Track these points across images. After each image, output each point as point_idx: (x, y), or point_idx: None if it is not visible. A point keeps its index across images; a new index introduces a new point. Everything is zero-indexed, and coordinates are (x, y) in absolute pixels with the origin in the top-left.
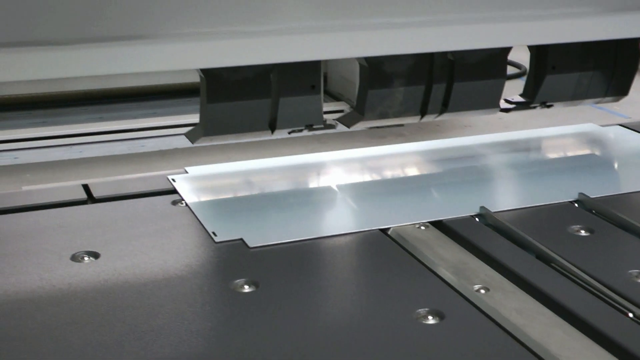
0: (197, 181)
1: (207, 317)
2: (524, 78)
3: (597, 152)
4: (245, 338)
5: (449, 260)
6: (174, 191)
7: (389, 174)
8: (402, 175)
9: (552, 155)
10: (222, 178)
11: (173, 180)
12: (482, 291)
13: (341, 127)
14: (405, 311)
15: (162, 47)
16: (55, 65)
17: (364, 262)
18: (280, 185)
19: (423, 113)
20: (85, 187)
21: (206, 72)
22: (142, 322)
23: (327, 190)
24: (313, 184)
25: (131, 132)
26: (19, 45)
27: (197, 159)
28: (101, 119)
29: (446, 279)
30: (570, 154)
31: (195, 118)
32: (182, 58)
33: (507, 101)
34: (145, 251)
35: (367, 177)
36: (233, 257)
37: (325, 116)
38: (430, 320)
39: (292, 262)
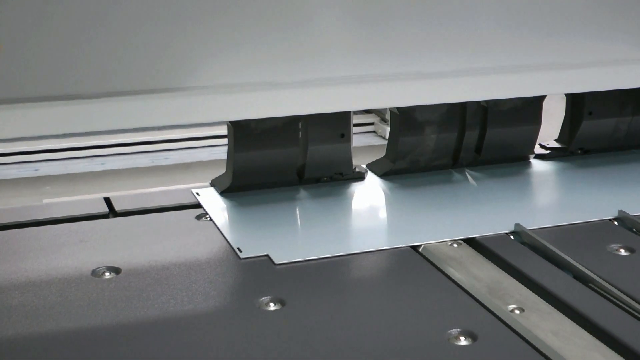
0: (222, 195)
1: (231, 336)
2: None
3: (638, 168)
4: (271, 358)
5: (483, 279)
6: (198, 205)
7: (419, 189)
8: (433, 190)
9: (591, 171)
10: (247, 191)
11: (197, 194)
12: (517, 312)
13: (361, 139)
14: (436, 332)
15: (189, 99)
16: (80, 119)
17: (394, 280)
18: (307, 199)
19: (455, 160)
20: (107, 201)
21: (234, 122)
22: (165, 341)
23: (355, 205)
24: (341, 199)
25: (154, 144)
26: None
27: (221, 171)
28: (124, 130)
29: (479, 298)
30: (609, 170)
31: (221, 130)
32: (211, 110)
33: (542, 146)
34: (168, 267)
35: (397, 193)
36: (258, 274)
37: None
38: (463, 341)
39: (319, 279)
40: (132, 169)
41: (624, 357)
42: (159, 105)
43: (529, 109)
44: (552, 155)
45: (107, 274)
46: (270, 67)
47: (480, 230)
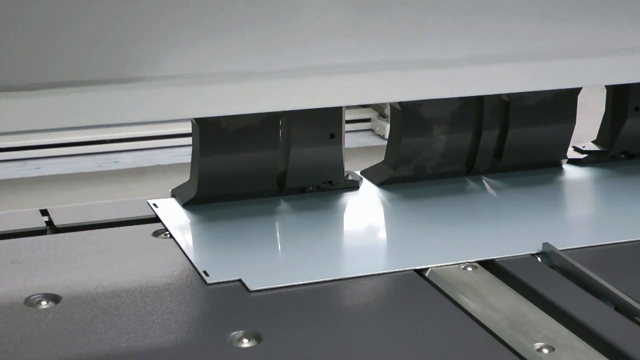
0: (185, 207)
1: None
2: None
3: None
4: None
5: (503, 311)
6: (155, 219)
7: (426, 201)
8: (443, 202)
9: (636, 179)
10: (216, 203)
11: (155, 205)
12: (545, 350)
13: (355, 139)
14: None
15: (145, 92)
16: (12, 115)
17: (394, 311)
18: (289, 213)
19: (470, 167)
20: (44, 213)
21: (200, 120)
22: None
23: (348, 220)
24: (330, 213)
25: (101, 145)
26: None
27: (184, 178)
28: (63, 128)
29: (499, 334)
30: None
31: (184, 127)
32: (172, 105)
33: (576, 149)
34: (119, 294)
35: (398, 205)
36: (229, 303)
37: (348, 141)
38: None
39: (303, 310)
40: (74, 174)
41: None
42: (107, 99)
43: (561, 104)
44: (590, 160)
45: (43, 302)
46: (245, 54)
47: (500, 250)
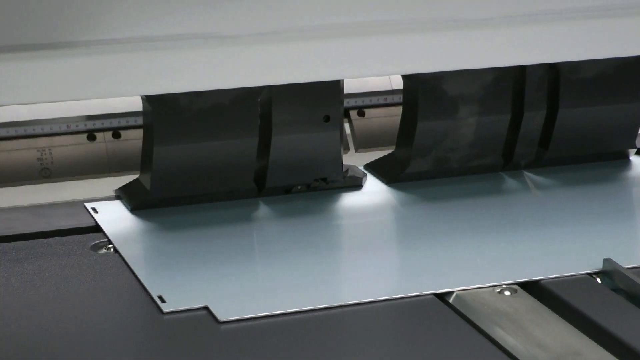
0: (134, 212)
1: None
2: None
3: None
4: None
5: (551, 347)
6: (95, 228)
7: (449, 204)
8: (472, 205)
9: None
10: (174, 207)
11: (94, 210)
12: None
13: None
14: None
15: (80, 61)
16: None
17: (408, 348)
18: (270, 220)
19: (507, 159)
20: None
21: (154, 98)
22: None
23: (347, 230)
24: (324, 219)
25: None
26: None
27: (134, 175)
28: None
29: None
30: None
31: (133, 105)
32: (116, 79)
33: None
34: (47, 327)
35: (414, 210)
36: (193, 338)
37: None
38: None
39: (288, 347)
40: None
41: None
42: (30, 70)
43: (626, 78)
44: None
45: None
46: (212, 12)
47: (547, 269)
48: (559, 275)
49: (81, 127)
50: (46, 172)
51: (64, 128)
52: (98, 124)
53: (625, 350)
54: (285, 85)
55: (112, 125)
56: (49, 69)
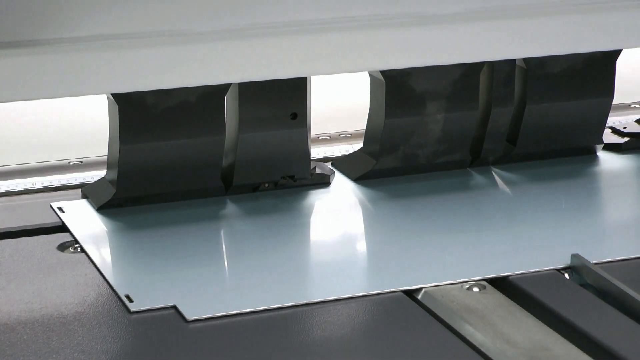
0: (100, 211)
1: None
2: None
3: None
4: None
5: (520, 344)
6: (61, 228)
7: (417, 200)
8: (440, 202)
9: None
10: (141, 206)
11: (60, 209)
12: None
13: None
14: None
15: (42, 59)
16: None
17: (376, 345)
18: (237, 218)
19: (475, 155)
20: None
21: (119, 97)
22: None
23: (315, 227)
24: (292, 217)
25: None
26: None
27: (100, 174)
28: None
29: None
30: None
31: (98, 102)
32: (80, 78)
33: (615, 131)
34: (14, 328)
35: (382, 207)
36: (160, 337)
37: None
38: None
39: (257, 345)
40: None
41: None
42: None
43: (593, 74)
44: (632, 145)
45: None
46: (179, 9)
47: (515, 265)
48: (527, 271)
49: None
50: None
51: None
52: None
53: (593, 345)
54: (252, 83)
55: None
56: (10, 67)
